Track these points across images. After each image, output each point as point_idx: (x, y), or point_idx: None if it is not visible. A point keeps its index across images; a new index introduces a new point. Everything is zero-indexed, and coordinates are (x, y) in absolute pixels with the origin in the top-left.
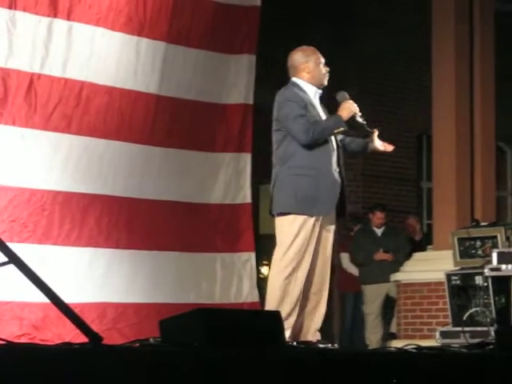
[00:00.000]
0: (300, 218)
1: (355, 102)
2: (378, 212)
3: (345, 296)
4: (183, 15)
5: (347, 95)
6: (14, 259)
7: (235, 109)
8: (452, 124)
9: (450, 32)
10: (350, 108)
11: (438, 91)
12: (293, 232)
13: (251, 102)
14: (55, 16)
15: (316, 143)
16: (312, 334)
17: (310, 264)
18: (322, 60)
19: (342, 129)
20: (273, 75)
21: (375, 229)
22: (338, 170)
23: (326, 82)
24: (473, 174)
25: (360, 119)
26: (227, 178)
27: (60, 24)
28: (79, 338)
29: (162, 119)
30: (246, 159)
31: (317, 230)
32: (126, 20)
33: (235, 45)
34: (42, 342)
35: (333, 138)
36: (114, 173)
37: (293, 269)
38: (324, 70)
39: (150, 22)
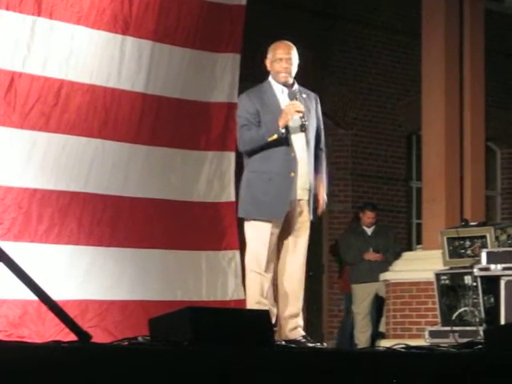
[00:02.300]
0: (255, 223)
1: (341, 100)
2: (369, 211)
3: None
4: (170, 14)
5: (295, 94)
6: (1, 256)
7: (219, 107)
8: (441, 124)
9: (439, 32)
10: (286, 113)
11: (427, 91)
12: (250, 236)
13: (235, 100)
14: (39, 15)
15: (253, 152)
16: (290, 332)
17: (279, 266)
18: (280, 57)
19: (275, 136)
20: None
21: (365, 228)
22: (293, 174)
23: (281, 80)
24: (462, 173)
25: (300, 121)
26: (210, 177)
27: (43, 23)
28: (58, 335)
29: (148, 117)
30: (230, 158)
31: (274, 231)
32: (110, 18)
33: (220, 43)
34: (18, 339)
35: (299, 143)
36: (96, 171)
37: (257, 270)
38: (279, 67)
39: (135, 21)
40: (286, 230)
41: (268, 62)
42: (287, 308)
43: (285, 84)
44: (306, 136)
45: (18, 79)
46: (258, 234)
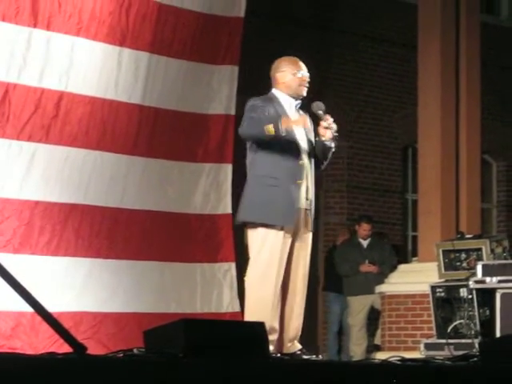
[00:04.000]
0: (263, 229)
1: (338, 113)
2: (364, 223)
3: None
4: (166, 25)
5: (322, 106)
6: None
7: (216, 119)
8: (437, 136)
9: (435, 45)
10: (296, 121)
11: (423, 104)
12: (257, 243)
13: (233, 112)
14: (35, 26)
15: (249, 138)
16: (286, 345)
17: (284, 273)
18: (301, 71)
19: (271, 128)
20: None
21: (361, 240)
22: (300, 182)
23: (303, 93)
24: (458, 186)
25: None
26: (207, 189)
27: (39, 34)
28: (51, 347)
29: (145, 129)
30: (227, 170)
31: (286, 240)
32: (109, 30)
33: (218, 55)
34: (10, 351)
35: (306, 153)
36: (95, 183)
37: (261, 280)
38: (301, 81)
39: (132, 33)
40: (292, 240)
41: (284, 75)
42: (290, 328)
43: (296, 97)
44: (310, 148)
45: (13, 90)
46: (269, 242)
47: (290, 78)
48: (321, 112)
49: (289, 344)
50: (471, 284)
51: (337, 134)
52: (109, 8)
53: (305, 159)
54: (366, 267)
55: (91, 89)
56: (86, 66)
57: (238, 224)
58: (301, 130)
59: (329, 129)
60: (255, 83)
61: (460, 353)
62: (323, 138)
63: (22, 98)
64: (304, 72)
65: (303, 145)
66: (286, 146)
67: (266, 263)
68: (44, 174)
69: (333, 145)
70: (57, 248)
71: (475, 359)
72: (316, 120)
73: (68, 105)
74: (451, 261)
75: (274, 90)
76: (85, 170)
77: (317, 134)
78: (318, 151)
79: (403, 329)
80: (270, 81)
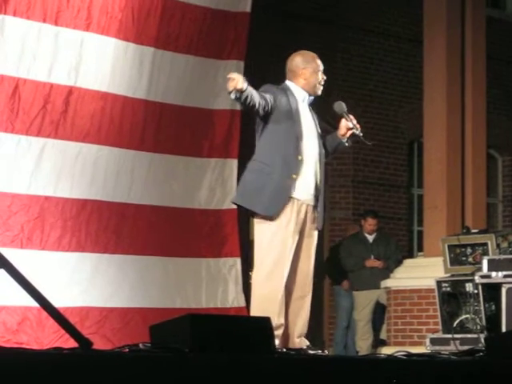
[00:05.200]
0: (272, 225)
1: (347, 108)
2: (370, 218)
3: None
4: (172, 20)
5: (344, 106)
6: (3, 263)
7: (222, 114)
8: (443, 131)
9: (441, 39)
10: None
11: (429, 98)
12: (265, 239)
13: (238, 107)
14: (44, 21)
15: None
16: (293, 341)
17: (291, 268)
18: (321, 68)
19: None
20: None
21: (367, 235)
22: (295, 176)
23: (319, 92)
24: (463, 180)
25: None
26: (212, 184)
27: (48, 29)
28: (57, 342)
29: (151, 124)
30: (232, 165)
31: (294, 237)
32: (119, 26)
33: (224, 50)
34: (16, 346)
35: (311, 150)
36: (104, 178)
37: (269, 276)
38: (321, 78)
39: (137, 28)
40: (299, 236)
41: (304, 72)
42: (297, 324)
43: (310, 94)
44: (319, 144)
45: (23, 86)
46: (277, 238)
47: (312, 75)
48: (344, 112)
49: (297, 340)
50: (477, 279)
51: (362, 135)
52: (120, 4)
53: (306, 155)
54: (372, 262)
55: (103, 84)
56: (97, 61)
57: (232, 203)
58: (310, 125)
59: (352, 129)
60: (261, 78)
61: (466, 348)
62: (341, 137)
63: (31, 93)
64: (321, 67)
65: (307, 142)
66: (287, 140)
67: (275, 260)
68: (54, 170)
69: (346, 144)
70: (68, 243)
71: (481, 354)
72: (319, 115)
73: (78, 100)
74: (457, 256)
75: (288, 82)
76: (97, 165)
77: (325, 129)
78: (329, 146)
79: (409, 323)
80: (276, 75)
